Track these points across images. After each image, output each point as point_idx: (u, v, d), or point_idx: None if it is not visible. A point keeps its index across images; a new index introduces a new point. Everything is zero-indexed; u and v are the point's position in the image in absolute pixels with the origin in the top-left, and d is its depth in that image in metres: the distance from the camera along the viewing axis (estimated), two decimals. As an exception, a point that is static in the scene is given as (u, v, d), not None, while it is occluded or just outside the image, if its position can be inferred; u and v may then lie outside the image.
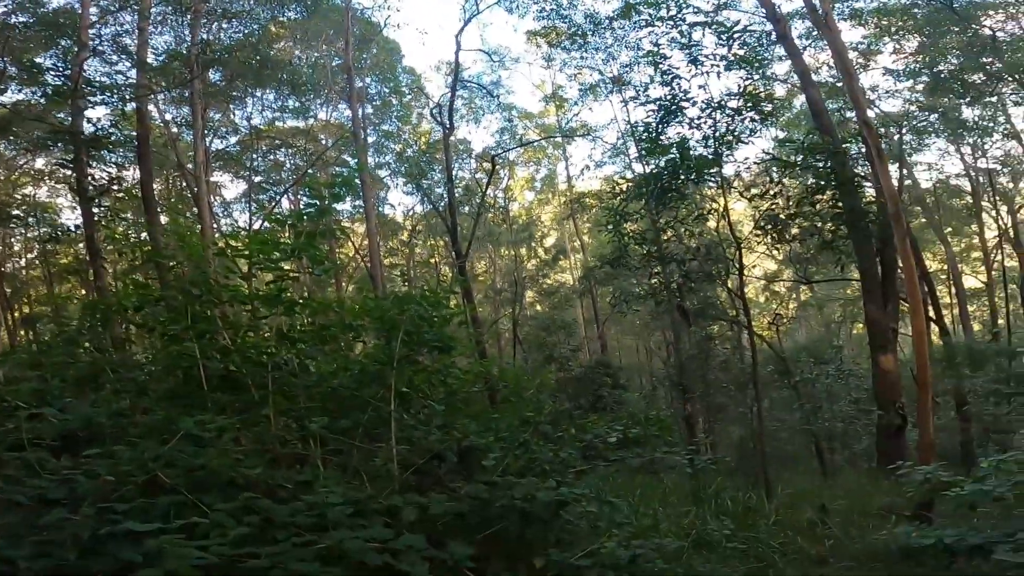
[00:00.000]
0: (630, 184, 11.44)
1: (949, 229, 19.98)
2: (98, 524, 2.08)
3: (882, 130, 14.40)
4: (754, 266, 17.04)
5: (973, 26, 12.74)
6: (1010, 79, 13.15)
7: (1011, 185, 18.96)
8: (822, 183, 10.99)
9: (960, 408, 11.31)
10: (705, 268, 11.04)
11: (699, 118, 8.92)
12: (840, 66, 9.91)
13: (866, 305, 11.26)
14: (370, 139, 20.12)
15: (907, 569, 3.42)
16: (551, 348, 19.18)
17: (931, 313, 13.31)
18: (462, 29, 17.73)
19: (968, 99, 14.30)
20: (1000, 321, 17.04)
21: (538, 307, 30.39)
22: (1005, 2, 13.23)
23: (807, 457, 12.63)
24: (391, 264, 26.05)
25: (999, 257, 18.34)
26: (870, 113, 12.89)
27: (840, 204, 10.86)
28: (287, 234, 4.45)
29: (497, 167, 21.75)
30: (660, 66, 8.91)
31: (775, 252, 20.36)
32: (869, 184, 11.01)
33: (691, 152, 9.01)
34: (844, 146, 10.88)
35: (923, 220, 18.58)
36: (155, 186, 14.66)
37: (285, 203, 21.16)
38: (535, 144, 27.22)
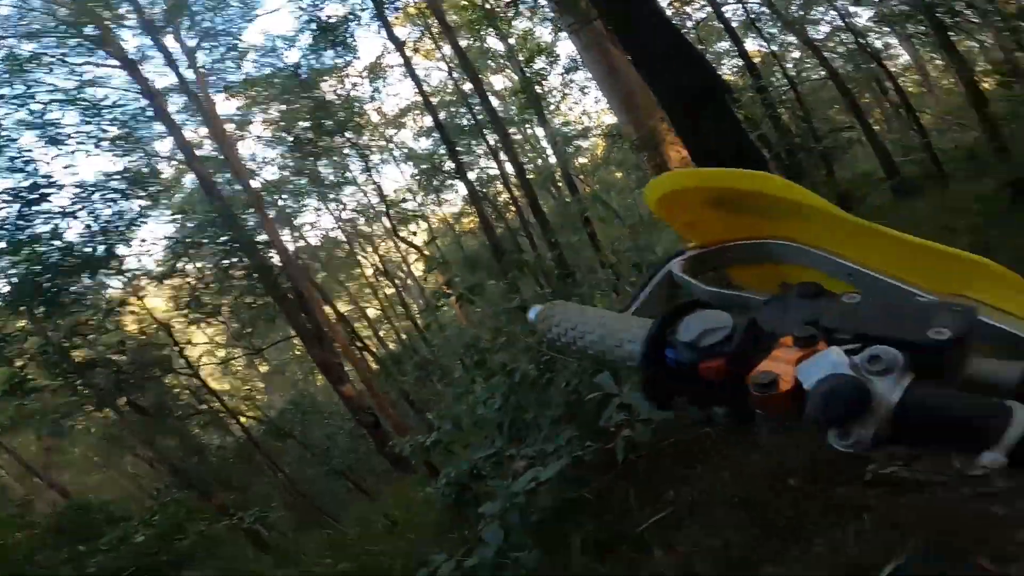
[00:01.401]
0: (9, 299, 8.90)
1: (343, 276, 24.22)
2: None
3: (271, 197, 16.34)
4: (203, 354, 16.27)
5: (314, 92, 15.43)
6: (343, 136, 16.37)
7: (368, 229, 23.80)
8: (232, 258, 11.56)
9: (408, 400, 14.38)
10: (143, 361, 10.06)
11: (73, 205, 7.88)
12: (219, 137, 10.59)
13: (310, 352, 12.65)
14: None
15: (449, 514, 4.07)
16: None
17: (357, 343, 16.50)
18: None
19: (322, 158, 16.91)
20: (403, 336, 22.15)
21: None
22: (334, 68, 16.17)
23: (350, 493, 13.27)
24: None
25: (382, 288, 23.95)
26: (255, 183, 14.37)
27: (256, 273, 11.70)
28: None
29: None
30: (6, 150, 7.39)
31: (217, 336, 20.15)
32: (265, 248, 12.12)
33: (72, 246, 7.87)
34: (242, 216, 11.67)
35: (323, 273, 21.85)
36: None
37: None
38: None
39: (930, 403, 0.37)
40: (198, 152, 12.17)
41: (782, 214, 0.50)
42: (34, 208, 7.89)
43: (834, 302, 0.44)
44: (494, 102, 15.72)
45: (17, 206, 7.73)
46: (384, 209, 19.15)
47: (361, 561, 4.56)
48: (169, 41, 11.41)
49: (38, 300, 8.05)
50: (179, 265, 12.22)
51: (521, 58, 15.34)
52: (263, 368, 26.91)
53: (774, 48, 12.65)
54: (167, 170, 13.98)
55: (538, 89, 15.67)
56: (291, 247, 15.23)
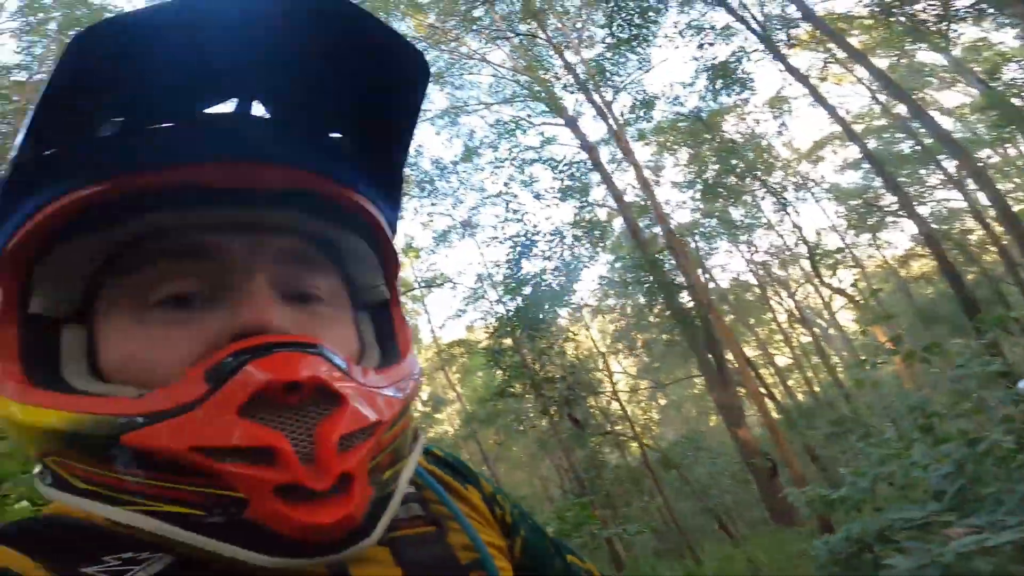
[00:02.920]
0: (502, 322, 12.06)
1: (753, 320, 23.44)
2: None
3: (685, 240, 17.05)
4: (616, 383, 18.40)
5: (719, 133, 15.74)
6: (752, 176, 16.02)
7: (783, 273, 22.58)
8: (649, 298, 12.65)
9: (811, 455, 13.05)
10: (581, 381, 11.96)
11: (549, 250, 10.03)
12: (642, 183, 11.75)
13: (712, 393, 12.50)
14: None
15: (835, 570, 3.89)
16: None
17: (761, 389, 15.69)
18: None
19: (732, 200, 16.88)
20: (816, 388, 19.91)
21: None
22: (732, 107, 16.40)
23: (713, 533, 13.24)
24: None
25: (796, 336, 22.07)
26: (671, 226, 15.42)
27: (670, 312, 12.51)
28: None
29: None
30: (511, 204, 10.07)
31: (629, 368, 22.49)
32: (682, 289, 12.82)
33: (547, 284, 9.99)
34: (658, 257, 12.81)
35: (732, 316, 21.62)
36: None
37: None
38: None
39: None
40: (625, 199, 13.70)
41: None
42: (526, 253, 10.44)
43: None
44: (947, 123, 13.11)
45: (517, 249, 10.35)
46: (804, 251, 17.73)
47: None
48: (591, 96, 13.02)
49: (522, 326, 10.49)
50: (608, 302, 14.03)
51: (979, 69, 12.34)
52: (662, 401, 28.55)
53: None
54: (602, 215, 16.16)
55: (1017, 102, 12.23)
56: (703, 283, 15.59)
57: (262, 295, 0.41)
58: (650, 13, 11.79)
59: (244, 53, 0.39)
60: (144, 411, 0.36)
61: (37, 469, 0.42)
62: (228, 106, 0.43)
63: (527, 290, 10.11)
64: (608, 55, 12.38)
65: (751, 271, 21.19)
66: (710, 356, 12.07)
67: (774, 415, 15.46)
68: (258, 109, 0.45)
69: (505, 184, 10.78)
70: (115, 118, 0.40)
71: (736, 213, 18.66)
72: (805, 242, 16.29)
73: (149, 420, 0.36)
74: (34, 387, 0.39)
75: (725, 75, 12.36)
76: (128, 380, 0.40)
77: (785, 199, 16.69)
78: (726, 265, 21.79)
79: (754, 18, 11.59)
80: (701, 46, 12.54)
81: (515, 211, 10.29)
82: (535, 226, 10.22)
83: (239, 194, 0.42)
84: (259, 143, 0.43)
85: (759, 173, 16.16)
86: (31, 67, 14.17)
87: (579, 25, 14.38)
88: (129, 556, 0.38)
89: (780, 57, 11.58)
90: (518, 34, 12.04)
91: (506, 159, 10.96)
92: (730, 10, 11.64)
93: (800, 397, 20.21)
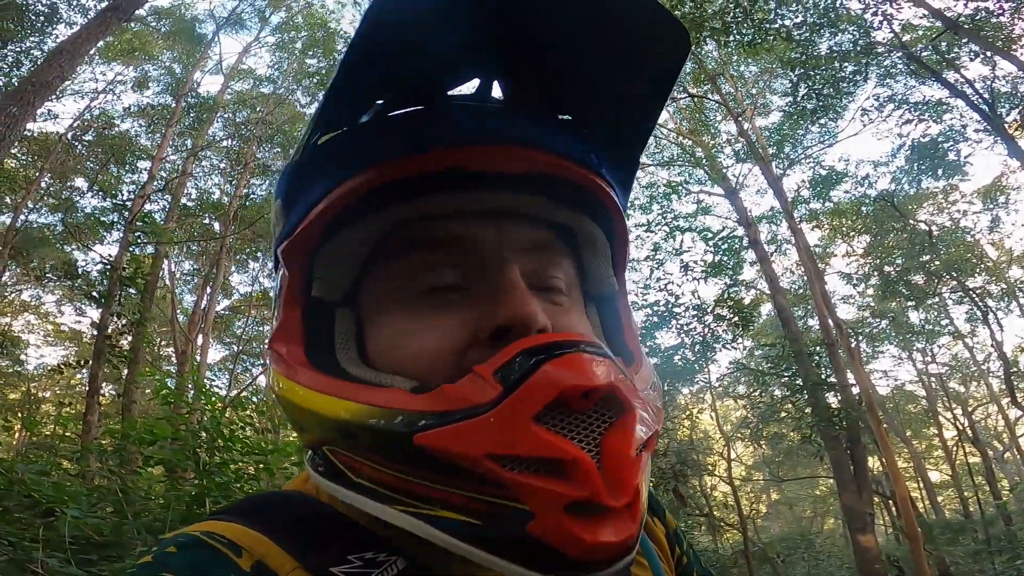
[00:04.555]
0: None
1: (909, 432, 20.91)
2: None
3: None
4: (725, 469, 17.16)
5: (911, 221, 14.06)
6: (948, 276, 14.05)
7: (962, 388, 20.02)
8: (788, 393, 11.59)
9: (942, 570, 11.51)
10: (688, 460, 11.31)
11: (689, 324, 9.48)
12: (809, 267, 10.67)
13: (842, 495, 11.44)
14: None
15: None
16: None
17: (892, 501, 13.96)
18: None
19: (913, 301, 14.96)
20: (971, 508, 17.13)
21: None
22: (933, 193, 14.90)
23: None
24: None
25: (960, 454, 19.17)
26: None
27: (809, 409, 11.46)
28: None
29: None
30: (655, 272, 9.68)
31: (743, 457, 20.89)
32: (833, 389, 11.59)
33: (679, 359, 9.47)
34: (810, 351, 11.63)
35: (885, 426, 19.47)
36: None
37: (263, 380, 19.99)
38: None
39: None
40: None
41: None
42: (664, 324, 9.98)
43: None
44: None
45: (654, 319, 9.94)
46: (995, 368, 16.17)
47: None
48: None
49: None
50: (738, 389, 12.97)
51: None
52: (774, 496, 26.13)
53: None
54: (746, 296, 15.17)
55: None
56: (854, 391, 14.28)
57: (519, 287, 0.40)
58: (843, 84, 10.84)
59: (491, 30, 0.38)
60: (433, 409, 0.35)
61: (309, 454, 0.43)
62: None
63: (655, 360, 9.60)
64: (786, 126, 11.55)
65: (921, 382, 19.06)
66: (848, 458, 11.22)
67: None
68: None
69: (653, 248, 10.32)
70: (376, 101, 0.41)
71: (915, 316, 16.68)
72: (1004, 359, 14.07)
73: (441, 420, 0.35)
74: (316, 371, 0.40)
75: (933, 155, 10.95)
76: (394, 367, 0.40)
77: (987, 307, 14.26)
78: (890, 371, 19.41)
79: (978, 94, 10.14)
80: (909, 122, 11.25)
81: (659, 279, 9.77)
82: (677, 298, 9.61)
83: (491, 179, 0.42)
84: (510, 127, 0.42)
85: (956, 274, 14.02)
86: (276, 80, 15.97)
87: (754, 91, 13.67)
88: (370, 557, 0.39)
89: (1008, 139, 10.04)
90: (690, 95, 11.64)
91: (657, 223, 10.54)
92: (947, 84, 10.37)
93: (947, 514, 18.62)
